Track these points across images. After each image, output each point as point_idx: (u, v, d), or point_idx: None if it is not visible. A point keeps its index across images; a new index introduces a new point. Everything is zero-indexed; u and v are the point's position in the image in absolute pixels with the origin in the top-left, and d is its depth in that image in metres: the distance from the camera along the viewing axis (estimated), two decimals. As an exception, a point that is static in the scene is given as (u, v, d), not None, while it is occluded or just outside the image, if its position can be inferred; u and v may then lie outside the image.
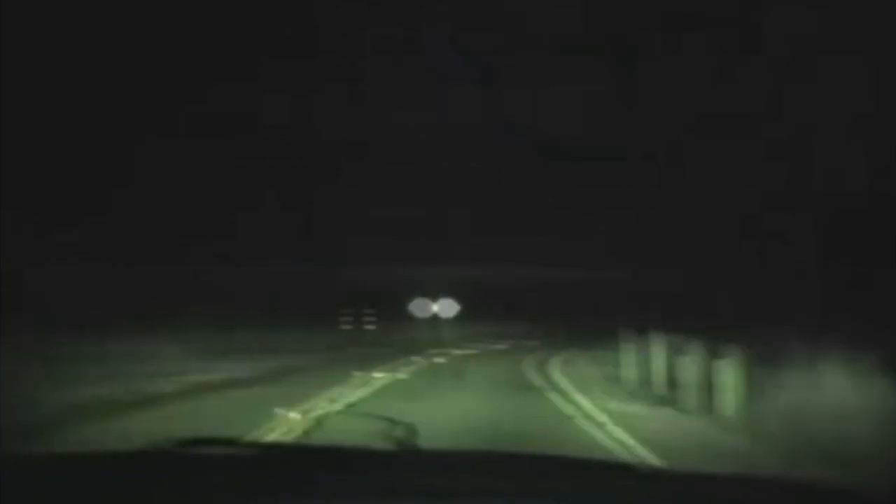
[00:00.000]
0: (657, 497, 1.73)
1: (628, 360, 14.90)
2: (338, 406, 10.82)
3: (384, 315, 30.62)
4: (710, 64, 23.74)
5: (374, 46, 21.50)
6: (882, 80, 17.97)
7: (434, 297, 32.67)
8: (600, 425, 9.22)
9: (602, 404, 11.01)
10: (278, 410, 9.28)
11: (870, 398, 7.13)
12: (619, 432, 8.58)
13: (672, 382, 11.73)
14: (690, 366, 10.65)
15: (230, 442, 1.95)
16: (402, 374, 16.79)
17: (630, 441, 8.14)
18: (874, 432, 6.48)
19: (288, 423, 8.71)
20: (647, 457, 7.26)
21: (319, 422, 9.21)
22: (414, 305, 32.40)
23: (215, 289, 18.27)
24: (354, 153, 23.00)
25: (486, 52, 23.73)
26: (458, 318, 32.95)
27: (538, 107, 26.11)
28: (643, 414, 10.37)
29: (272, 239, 21.15)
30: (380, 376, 15.59)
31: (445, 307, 32.61)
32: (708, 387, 9.94)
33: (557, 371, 18.36)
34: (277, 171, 20.08)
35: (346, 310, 28.45)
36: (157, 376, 12.60)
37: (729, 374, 9.47)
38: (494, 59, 24.06)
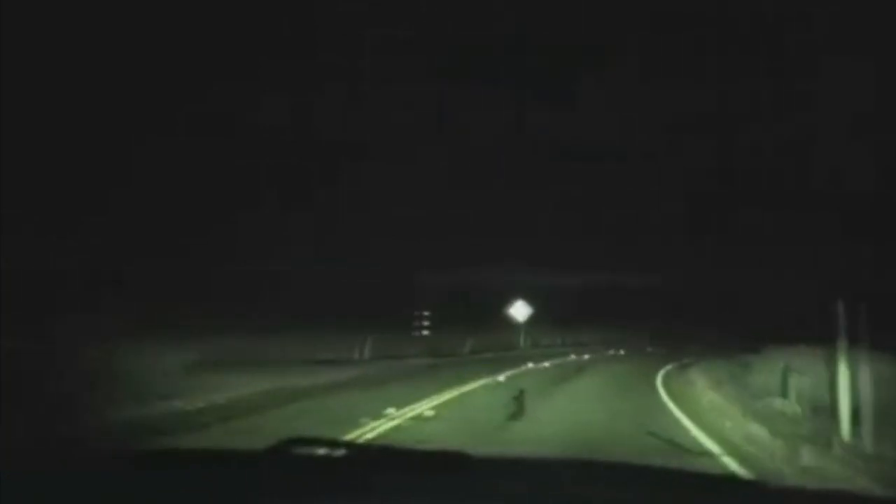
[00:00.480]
0: None
1: (783, 382, 10.41)
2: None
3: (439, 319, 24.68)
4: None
5: (375, 46, 21.54)
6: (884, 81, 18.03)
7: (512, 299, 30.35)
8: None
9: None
10: None
11: None
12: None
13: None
14: None
15: (332, 443, 2.06)
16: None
17: None
18: None
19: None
20: None
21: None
22: (514, 309, 29.92)
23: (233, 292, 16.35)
24: (355, 153, 23.01)
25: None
26: (528, 323, 30.53)
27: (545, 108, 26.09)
28: None
29: (307, 240, 20.81)
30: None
31: (520, 310, 30.25)
32: None
33: (705, 400, 11.90)
34: (277, 171, 19.97)
35: (420, 313, 23.18)
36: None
37: None
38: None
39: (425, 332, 23.08)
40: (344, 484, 1.69)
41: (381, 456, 2.07)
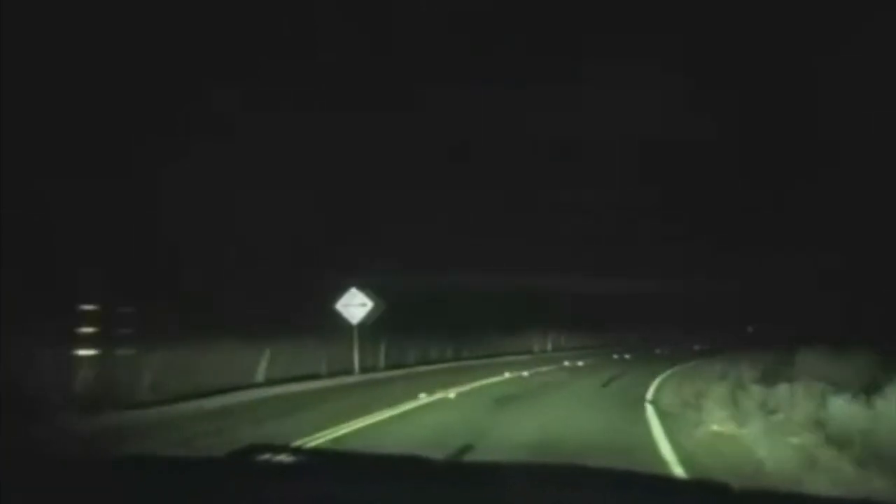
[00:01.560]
0: None
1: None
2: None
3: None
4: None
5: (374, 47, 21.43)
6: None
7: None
8: None
9: None
10: None
11: None
12: None
13: None
14: None
15: (285, 449, 2.02)
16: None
17: None
18: None
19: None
20: None
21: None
22: (343, 302, 19.77)
23: None
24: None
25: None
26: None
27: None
28: None
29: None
30: None
31: (352, 305, 19.96)
32: None
33: None
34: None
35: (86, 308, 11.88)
36: None
37: None
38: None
39: (84, 352, 11.33)
40: (304, 491, 1.67)
41: (345, 462, 2.05)
